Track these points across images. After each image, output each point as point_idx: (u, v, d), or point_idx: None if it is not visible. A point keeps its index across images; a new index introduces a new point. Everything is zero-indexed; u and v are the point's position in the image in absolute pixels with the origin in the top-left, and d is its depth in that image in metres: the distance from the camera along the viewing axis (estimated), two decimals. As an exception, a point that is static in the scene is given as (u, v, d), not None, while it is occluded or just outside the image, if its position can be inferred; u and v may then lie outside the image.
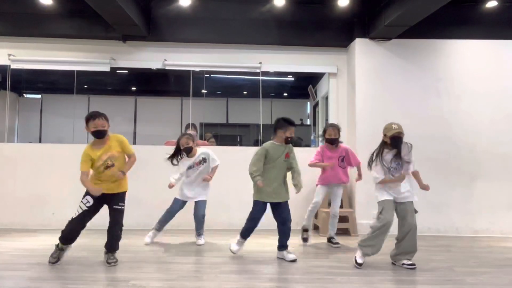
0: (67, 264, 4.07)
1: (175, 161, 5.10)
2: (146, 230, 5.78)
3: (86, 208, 4.00)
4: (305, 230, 5.22)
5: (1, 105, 7.03)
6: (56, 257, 4.04)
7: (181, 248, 4.86)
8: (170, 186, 5.01)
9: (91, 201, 4.00)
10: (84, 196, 4.04)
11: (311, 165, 5.04)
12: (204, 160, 5.06)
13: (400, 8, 5.34)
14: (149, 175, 6.13)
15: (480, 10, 6.21)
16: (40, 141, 9.19)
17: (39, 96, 10.08)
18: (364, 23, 6.33)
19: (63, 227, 5.74)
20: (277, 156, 4.27)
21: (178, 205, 5.09)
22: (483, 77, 6.23)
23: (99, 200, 4.02)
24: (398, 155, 4.13)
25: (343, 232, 5.87)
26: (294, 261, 4.22)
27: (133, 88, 10.30)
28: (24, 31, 6.35)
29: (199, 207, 5.06)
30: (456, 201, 6.10)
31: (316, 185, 5.22)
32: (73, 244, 4.98)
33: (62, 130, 8.57)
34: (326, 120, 7.12)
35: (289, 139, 4.28)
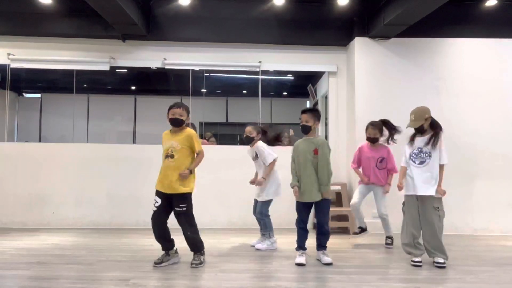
0: (67, 263, 4.07)
1: None
2: (146, 229, 5.78)
3: (155, 209, 3.99)
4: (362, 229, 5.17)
5: (1, 104, 7.02)
6: (159, 259, 4.05)
7: (180, 247, 4.86)
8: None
9: (159, 201, 3.98)
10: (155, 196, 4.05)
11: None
12: (256, 156, 4.85)
13: (399, 7, 5.34)
14: (149, 174, 6.09)
15: (480, 9, 6.20)
16: (39, 141, 9.19)
17: (38, 95, 10.07)
18: (364, 22, 6.33)
19: (63, 226, 5.75)
20: (304, 151, 4.14)
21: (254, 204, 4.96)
22: (483, 76, 6.23)
23: (166, 200, 3.98)
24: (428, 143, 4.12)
25: (343, 231, 5.88)
26: (329, 264, 4.11)
27: (133, 87, 10.29)
28: (24, 30, 6.35)
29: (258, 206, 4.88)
30: (455, 200, 6.09)
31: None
32: (74, 244, 4.99)
33: (62, 129, 8.58)
34: (326, 119, 7.12)
35: (300, 126, 4.18)
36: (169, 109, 4.06)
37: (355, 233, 5.15)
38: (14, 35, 6.40)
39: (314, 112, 4.22)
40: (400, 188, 4.26)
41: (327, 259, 4.14)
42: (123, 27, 6.03)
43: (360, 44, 6.30)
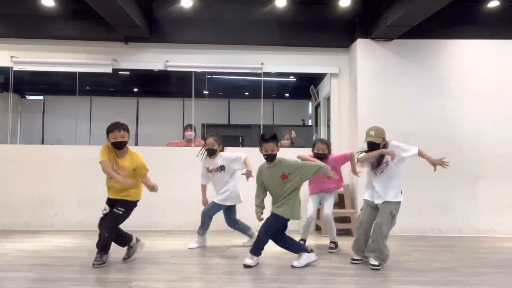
0: (69, 265, 4.08)
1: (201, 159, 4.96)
2: (148, 231, 5.81)
3: (102, 215, 4.10)
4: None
5: (4, 106, 7.05)
6: (126, 255, 4.22)
7: (183, 249, 4.86)
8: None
9: (108, 209, 4.06)
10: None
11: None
12: (222, 168, 4.84)
13: (401, 8, 5.33)
14: (151, 175, 6.12)
15: (482, 10, 6.19)
16: (42, 143, 9.21)
17: (41, 97, 10.09)
18: (366, 23, 6.33)
19: (66, 228, 5.75)
20: (271, 178, 4.13)
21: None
22: (485, 77, 6.21)
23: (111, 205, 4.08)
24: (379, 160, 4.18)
25: (345, 232, 5.86)
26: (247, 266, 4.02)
27: (135, 89, 10.31)
28: (27, 33, 6.37)
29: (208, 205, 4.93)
30: (458, 201, 6.08)
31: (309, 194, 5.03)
32: (76, 246, 5.02)
33: (64, 132, 8.59)
34: (328, 120, 7.12)
35: (266, 156, 4.11)
36: (108, 132, 3.95)
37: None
38: (17, 38, 6.42)
39: (276, 139, 4.18)
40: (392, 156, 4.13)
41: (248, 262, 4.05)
42: (125, 29, 6.05)
43: (362, 45, 6.30)
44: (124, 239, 4.23)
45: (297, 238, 4.53)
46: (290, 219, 4.13)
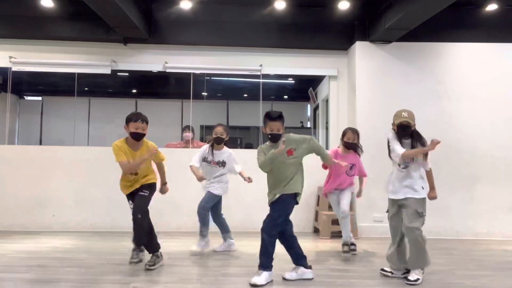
0: (67, 267, 4.06)
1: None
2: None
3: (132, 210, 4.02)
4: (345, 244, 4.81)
5: (2, 107, 7.04)
6: (152, 261, 4.02)
7: (181, 250, 4.85)
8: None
9: (132, 202, 4.04)
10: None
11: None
12: (223, 164, 4.73)
13: (400, 11, 5.35)
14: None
15: (480, 14, 6.21)
16: (40, 143, 9.19)
17: (39, 98, 10.07)
18: (365, 26, 6.35)
19: (63, 229, 5.74)
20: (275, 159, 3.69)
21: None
22: (483, 80, 6.23)
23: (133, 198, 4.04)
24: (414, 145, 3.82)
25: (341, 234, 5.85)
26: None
27: (134, 91, 10.30)
28: (25, 34, 6.37)
29: (204, 197, 4.75)
30: (456, 204, 6.09)
31: (324, 194, 4.94)
32: (74, 247, 5.00)
33: (63, 132, 8.58)
34: (327, 122, 7.12)
35: (270, 136, 3.73)
36: (128, 121, 3.89)
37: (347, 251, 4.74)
38: (15, 38, 6.42)
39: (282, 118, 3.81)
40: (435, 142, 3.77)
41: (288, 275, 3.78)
42: (124, 31, 6.05)
43: (361, 48, 6.31)
44: (154, 245, 4.13)
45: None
46: (300, 193, 3.75)
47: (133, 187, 4.03)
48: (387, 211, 4.02)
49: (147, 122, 3.95)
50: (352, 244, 4.77)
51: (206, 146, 4.80)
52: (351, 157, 4.75)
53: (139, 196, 3.97)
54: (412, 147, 3.84)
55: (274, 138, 3.74)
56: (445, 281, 3.78)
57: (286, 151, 3.67)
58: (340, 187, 4.80)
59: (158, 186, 4.25)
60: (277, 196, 3.69)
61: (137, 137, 3.90)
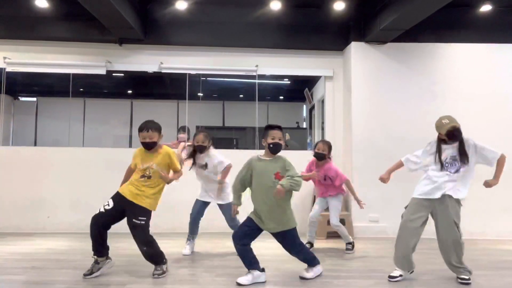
0: (62, 268, 4.04)
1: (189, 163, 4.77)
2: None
3: (103, 210, 3.74)
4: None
5: (-4, 108, 6.99)
6: (89, 270, 3.78)
7: (177, 251, 4.84)
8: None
9: (111, 204, 3.76)
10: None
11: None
12: (205, 166, 4.72)
13: (395, 12, 5.37)
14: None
15: (474, 14, 6.25)
16: (35, 144, 9.14)
17: (34, 99, 10.02)
18: (360, 27, 6.36)
19: (58, 230, 5.68)
20: (263, 174, 3.57)
21: (197, 205, 4.84)
22: (478, 81, 6.27)
23: (120, 205, 3.76)
24: (460, 149, 3.86)
25: (339, 235, 5.86)
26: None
27: (129, 91, 10.27)
28: (20, 34, 6.34)
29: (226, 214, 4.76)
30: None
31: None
32: (69, 248, 4.96)
33: (58, 133, 8.53)
34: (322, 123, 7.13)
35: (272, 145, 3.56)
36: (139, 131, 3.88)
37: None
38: (10, 39, 6.39)
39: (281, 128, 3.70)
40: (384, 179, 4.14)
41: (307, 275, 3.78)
42: (119, 31, 6.03)
43: (356, 48, 6.33)
44: (102, 249, 3.85)
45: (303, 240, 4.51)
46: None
47: (130, 192, 3.80)
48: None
49: (157, 129, 3.89)
50: (348, 243, 4.97)
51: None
52: (325, 167, 4.85)
53: (137, 227, 3.74)
54: (459, 153, 3.90)
55: (276, 148, 3.59)
56: (441, 281, 3.79)
57: (275, 173, 3.55)
58: (325, 196, 4.92)
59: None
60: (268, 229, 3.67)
61: (146, 146, 3.88)
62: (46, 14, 6.17)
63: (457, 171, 3.84)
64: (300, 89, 8.57)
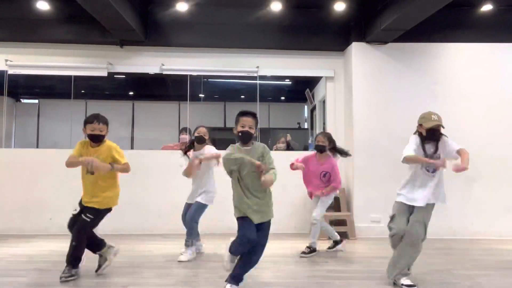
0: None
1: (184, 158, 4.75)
2: (143, 235, 5.79)
3: (72, 216, 3.83)
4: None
5: (-2, 110, 7.02)
6: (98, 265, 3.83)
7: (178, 253, 4.84)
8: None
9: (78, 209, 3.84)
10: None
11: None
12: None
13: (396, 12, 5.37)
14: (146, 179, 6.12)
15: (475, 14, 6.25)
16: (37, 146, 9.16)
17: (36, 101, 10.06)
18: (361, 27, 6.36)
19: (61, 232, 5.68)
20: (247, 167, 3.25)
21: (184, 209, 4.79)
22: (479, 80, 6.26)
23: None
24: (436, 150, 3.73)
25: (341, 235, 5.85)
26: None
27: (131, 93, 10.30)
28: (21, 37, 6.35)
29: (192, 209, 4.66)
30: (453, 203, 6.07)
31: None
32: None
33: (59, 135, 8.55)
34: (324, 123, 7.13)
35: (242, 133, 3.30)
36: (85, 124, 3.79)
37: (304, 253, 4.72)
38: (11, 41, 6.41)
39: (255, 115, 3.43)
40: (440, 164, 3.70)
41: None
42: (121, 33, 6.04)
43: (357, 49, 6.33)
44: (96, 245, 3.89)
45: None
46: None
47: (85, 196, 3.79)
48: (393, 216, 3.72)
49: (105, 123, 3.82)
50: (308, 247, 4.74)
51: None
52: (326, 165, 4.70)
53: (80, 221, 3.72)
54: (435, 150, 3.77)
55: (245, 137, 3.31)
56: (443, 281, 3.79)
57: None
58: (316, 191, 4.72)
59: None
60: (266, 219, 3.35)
61: (94, 138, 3.78)
62: (47, 16, 6.19)
63: (434, 170, 3.75)
64: (301, 89, 8.57)
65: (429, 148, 3.75)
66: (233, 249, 3.31)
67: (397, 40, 6.15)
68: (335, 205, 6.25)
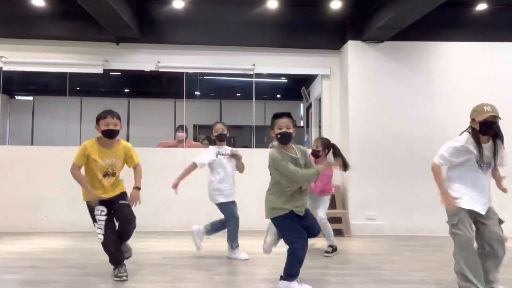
0: (60, 267, 4.04)
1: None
2: (140, 233, 5.73)
3: (105, 217, 3.61)
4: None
5: (-7, 107, 6.97)
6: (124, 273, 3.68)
7: (176, 250, 4.85)
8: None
9: (105, 209, 3.62)
10: (93, 210, 3.65)
11: None
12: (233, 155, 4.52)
13: (392, 10, 5.39)
14: (143, 176, 6.10)
15: (470, 13, 6.28)
16: (32, 144, 9.11)
17: (31, 98, 9.99)
18: (357, 25, 6.38)
19: (56, 230, 5.68)
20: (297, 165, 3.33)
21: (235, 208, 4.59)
22: (474, 79, 6.30)
23: (107, 206, 3.65)
24: (495, 148, 3.26)
25: (337, 233, 5.88)
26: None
27: (126, 90, 10.26)
28: (16, 33, 6.31)
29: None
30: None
31: None
32: (67, 247, 4.97)
33: (54, 132, 8.52)
34: (319, 121, 7.15)
35: (281, 134, 3.35)
36: (98, 120, 3.64)
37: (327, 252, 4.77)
38: (6, 38, 6.35)
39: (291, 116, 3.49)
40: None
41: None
42: (116, 30, 6.02)
43: (353, 47, 6.34)
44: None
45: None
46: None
47: (107, 193, 3.68)
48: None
49: (119, 118, 3.68)
50: (330, 246, 4.79)
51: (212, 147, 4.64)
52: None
53: (125, 206, 3.63)
54: (494, 149, 3.30)
55: (285, 138, 3.35)
56: (436, 278, 3.83)
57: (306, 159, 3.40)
58: (313, 191, 4.68)
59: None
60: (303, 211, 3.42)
61: (110, 134, 3.60)
62: (42, 12, 6.14)
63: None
64: (297, 87, 8.58)
65: (488, 148, 3.28)
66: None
67: (393, 39, 6.18)
68: (331, 203, 6.27)
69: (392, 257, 4.65)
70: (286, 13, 6.37)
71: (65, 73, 6.68)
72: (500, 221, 3.35)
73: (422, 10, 5.29)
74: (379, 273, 3.98)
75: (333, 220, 6.04)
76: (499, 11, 6.29)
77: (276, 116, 3.43)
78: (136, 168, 3.87)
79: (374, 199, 6.08)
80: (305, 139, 8.49)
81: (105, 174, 3.66)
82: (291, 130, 3.37)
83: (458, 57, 6.38)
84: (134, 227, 3.73)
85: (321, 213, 4.73)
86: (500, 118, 3.30)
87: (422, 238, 5.79)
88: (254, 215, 5.76)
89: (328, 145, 4.76)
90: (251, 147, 6.96)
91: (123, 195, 3.75)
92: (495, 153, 3.28)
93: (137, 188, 3.77)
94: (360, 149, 6.20)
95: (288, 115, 3.43)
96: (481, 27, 6.33)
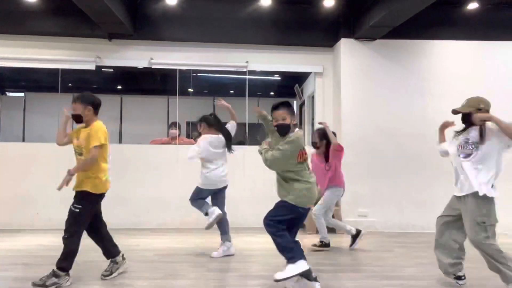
0: (52, 264, 4.02)
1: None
2: (133, 230, 5.77)
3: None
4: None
5: (-16, 103, 6.90)
6: (107, 271, 3.66)
7: (168, 247, 4.85)
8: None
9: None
10: (97, 201, 3.80)
11: None
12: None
13: (384, 9, 5.42)
14: (135, 174, 6.11)
15: (462, 12, 6.34)
16: (23, 140, 9.04)
17: (22, 94, 9.90)
18: (350, 23, 6.41)
19: (48, 227, 5.66)
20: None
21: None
22: (465, 77, 6.35)
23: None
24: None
25: (329, 230, 5.91)
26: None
27: (119, 87, 10.20)
28: (8, 29, 6.25)
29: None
30: (439, 198, 6.12)
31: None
32: (59, 245, 4.94)
33: (46, 129, 8.45)
34: (312, 119, 7.17)
35: (277, 127, 3.36)
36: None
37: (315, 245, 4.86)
38: (-3, 33, 6.31)
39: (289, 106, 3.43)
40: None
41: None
42: (109, 26, 5.99)
43: (346, 45, 6.37)
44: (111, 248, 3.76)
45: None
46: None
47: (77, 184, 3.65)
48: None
49: (82, 102, 3.68)
50: (321, 241, 4.87)
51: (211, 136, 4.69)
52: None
53: (69, 211, 3.55)
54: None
55: (281, 130, 3.31)
56: (426, 274, 3.87)
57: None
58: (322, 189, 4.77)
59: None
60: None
61: (73, 118, 3.79)
62: (34, 8, 6.09)
63: (467, 155, 3.49)
64: (290, 85, 8.59)
65: (467, 133, 3.62)
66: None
67: (386, 37, 6.21)
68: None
69: (383, 253, 4.69)
70: (279, 10, 6.38)
71: (57, 70, 6.63)
72: None
73: (415, 8, 5.33)
74: (370, 269, 4.01)
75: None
76: (490, 10, 6.35)
77: (273, 107, 3.40)
78: (90, 153, 3.78)
79: (366, 196, 6.13)
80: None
81: (76, 152, 3.84)
82: (287, 121, 3.30)
83: (450, 56, 6.43)
84: (64, 238, 3.65)
85: (315, 207, 4.75)
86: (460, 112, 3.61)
87: (412, 235, 5.84)
88: (247, 211, 5.79)
89: (324, 135, 4.83)
90: (244, 144, 6.97)
91: (77, 197, 3.73)
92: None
93: (70, 174, 3.75)
94: (353, 146, 6.23)
95: (285, 104, 3.37)
96: (472, 26, 6.39)
